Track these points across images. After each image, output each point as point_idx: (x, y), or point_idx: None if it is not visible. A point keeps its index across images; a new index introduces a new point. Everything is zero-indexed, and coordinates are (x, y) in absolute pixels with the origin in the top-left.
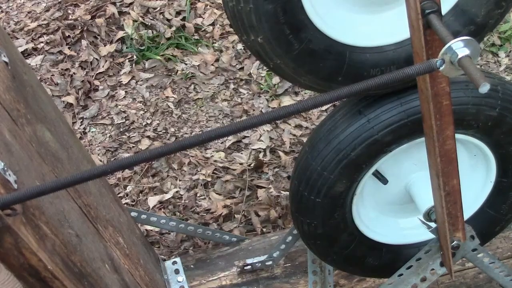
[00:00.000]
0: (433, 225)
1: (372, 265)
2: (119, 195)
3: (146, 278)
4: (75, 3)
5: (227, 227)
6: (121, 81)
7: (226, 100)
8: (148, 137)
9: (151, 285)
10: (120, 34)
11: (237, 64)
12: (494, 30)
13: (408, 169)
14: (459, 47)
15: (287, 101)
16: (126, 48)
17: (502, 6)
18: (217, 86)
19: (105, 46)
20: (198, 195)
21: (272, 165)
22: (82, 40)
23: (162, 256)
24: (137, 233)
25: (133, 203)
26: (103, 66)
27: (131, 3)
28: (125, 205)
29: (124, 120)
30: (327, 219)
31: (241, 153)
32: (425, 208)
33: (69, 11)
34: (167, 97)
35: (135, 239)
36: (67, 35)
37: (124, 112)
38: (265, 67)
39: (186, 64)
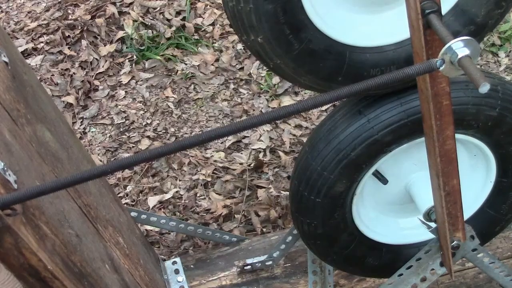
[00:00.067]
0: (433, 225)
1: (372, 265)
2: (119, 195)
3: (146, 278)
4: (75, 3)
5: (227, 227)
6: (121, 81)
7: (226, 100)
8: (148, 137)
9: (151, 285)
10: (120, 34)
11: (237, 64)
12: (494, 30)
13: (408, 169)
14: (459, 47)
15: (287, 101)
16: (126, 48)
17: (502, 6)
18: (217, 86)
19: (105, 46)
20: (198, 195)
21: (272, 165)
22: (82, 40)
23: (162, 256)
24: (137, 233)
25: (133, 203)
26: (103, 66)
27: (131, 3)
28: (125, 205)
29: (124, 120)
30: (327, 219)
31: (241, 153)
32: (425, 208)
33: (69, 11)
34: (167, 97)
35: (135, 239)
36: (67, 35)
37: (124, 112)
38: (265, 67)
39: (186, 64)
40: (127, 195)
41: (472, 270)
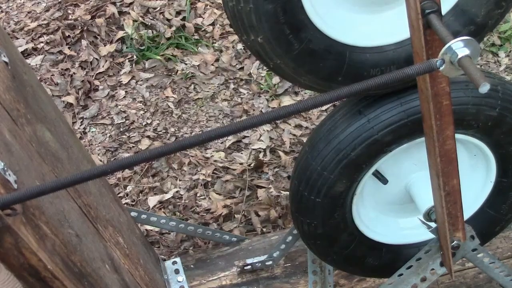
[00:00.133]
0: (433, 225)
1: (372, 265)
2: (119, 195)
3: (146, 278)
4: (75, 3)
5: (227, 227)
6: (121, 81)
7: (226, 100)
8: (148, 137)
9: (151, 285)
10: (120, 34)
11: (237, 64)
12: (494, 30)
13: (408, 169)
14: (459, 47)
15: (287, 101)
16: (126, 48)
17: (502, 6)
18: (217, 86)
19: (105, 46)
20: (198, 195)
21: (272, 165)
22: (82, 40)
23: (162, 256)
24: (137, 233)
25: (133, 203)
26: (103, 66)
27: (131, 3)
28: (125, 205)
29: (124, 120)
30: (327, 219)
31: (241, 153)
32: (425, 208)
33: (69, 11)
34: (167, 97)
35: (135, 239)
36: (67, 35)
37: (124, 112)
38: (265, 67)
39: (186, 64)
40: (127, 195)
41: (472, 270)
